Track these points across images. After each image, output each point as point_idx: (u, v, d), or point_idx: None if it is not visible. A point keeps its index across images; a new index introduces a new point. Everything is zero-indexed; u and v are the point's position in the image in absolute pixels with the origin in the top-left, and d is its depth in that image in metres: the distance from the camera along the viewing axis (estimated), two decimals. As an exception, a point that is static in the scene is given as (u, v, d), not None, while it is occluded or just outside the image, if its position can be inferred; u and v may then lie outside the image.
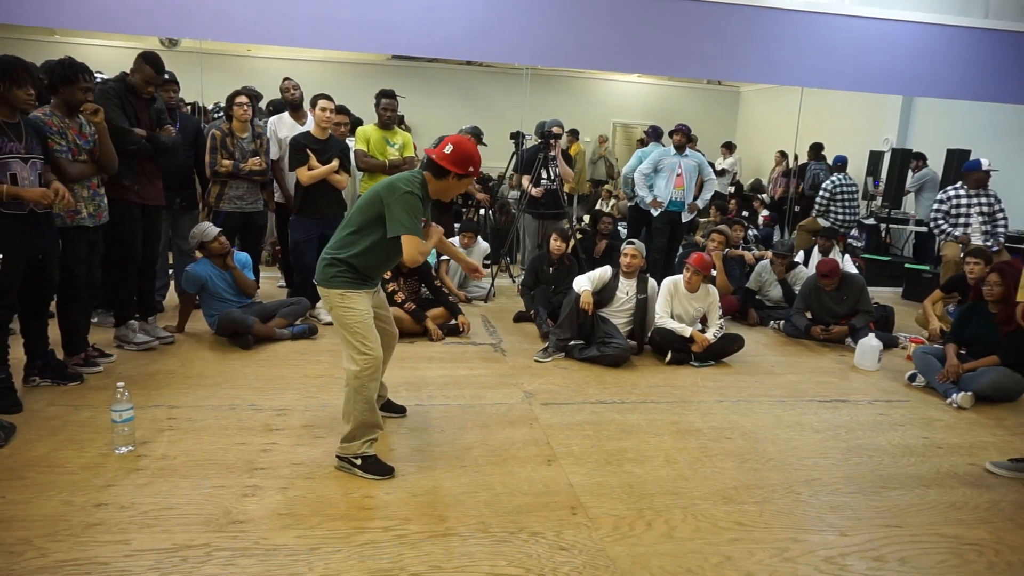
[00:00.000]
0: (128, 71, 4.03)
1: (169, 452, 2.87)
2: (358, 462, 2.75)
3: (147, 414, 3.20)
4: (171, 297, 5.15)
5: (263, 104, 6.61)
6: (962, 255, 5.42)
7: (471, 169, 2.74)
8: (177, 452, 2.88)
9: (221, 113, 5.74)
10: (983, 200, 6.08)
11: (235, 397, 3.53)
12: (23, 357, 3.52)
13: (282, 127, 5.37)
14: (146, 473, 2.68)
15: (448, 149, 2.71)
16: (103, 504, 2.44)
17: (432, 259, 5.69)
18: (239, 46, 10.66)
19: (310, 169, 4.73)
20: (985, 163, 6.13)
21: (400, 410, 3.40)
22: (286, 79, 5.61)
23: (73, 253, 3.58)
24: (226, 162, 4.77)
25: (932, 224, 6.35)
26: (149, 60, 3.97)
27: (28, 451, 2.84)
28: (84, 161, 3.56)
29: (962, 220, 6.12)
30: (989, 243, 5.94)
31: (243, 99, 4.84)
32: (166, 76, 5.05)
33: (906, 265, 7.67)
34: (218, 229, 4.49)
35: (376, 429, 2.80)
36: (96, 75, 4.54)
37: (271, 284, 6.07)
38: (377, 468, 2.76)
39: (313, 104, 4.89)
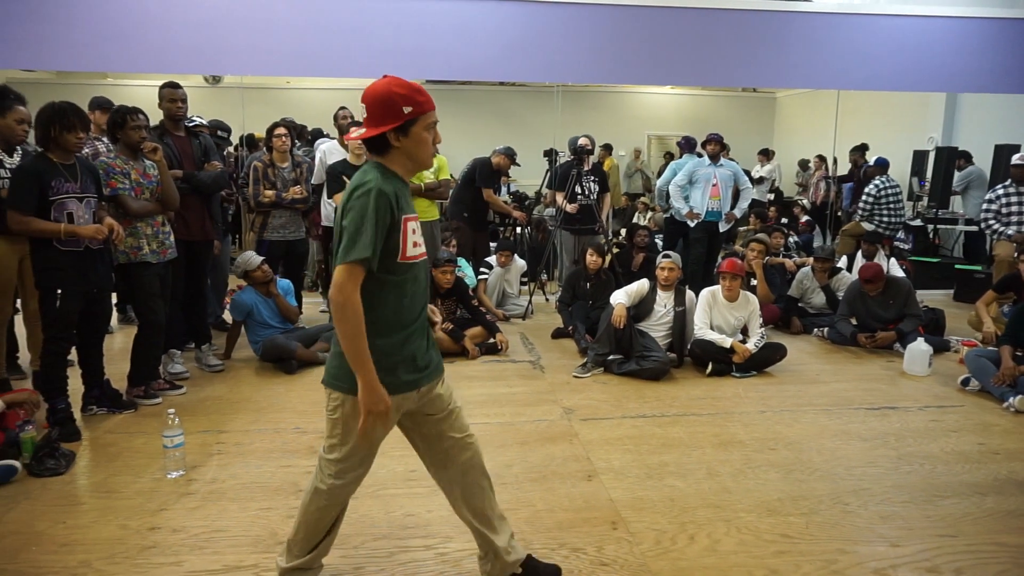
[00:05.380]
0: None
1: (218, 476, 2.96)
2: None
3: (197, 439, 3.31)
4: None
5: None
6: (1016, 253, 5.23)
7: (407, 110, 1.79)
8: (226, 476, 2.96)
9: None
10: (1034, 196, 5.88)
11: (280, 421, 3.62)
12: (81, 387, 3.67)
13: (331, 155, 5.45)
14: (196, 497, 2.77)
15: (365, 115, 1.88)
16: (157, 528, 2.53)
17: (471, 281, 5.75)
18: (278, 79, 11.02)
19: (347, 195, 4.84)
20: (1016, 157, 5.95)
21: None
22: (342, 108, 5.81)
23: (142, 288, 3.73)
24: (269, 192, 4.92)
25: (983, 224, 6.16)
26: (164, 86, 4.20)
27: (87, 477, 2.97)
28: (147, 199, 3.74)
29: (1014, 218, 5.92)
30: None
31: (282, 130, 5.01)
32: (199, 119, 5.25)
33: (956, 266, 7.43)
34: (261, 258, 4.63)
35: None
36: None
37: (313, 309, 6.21)
38: None
39: (347, 132, 5.01)
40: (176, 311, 4.25)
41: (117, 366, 3.94)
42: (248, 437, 3.40)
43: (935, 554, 2.41)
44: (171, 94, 4.17)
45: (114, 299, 4.49)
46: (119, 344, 5.03)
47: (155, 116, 4.23)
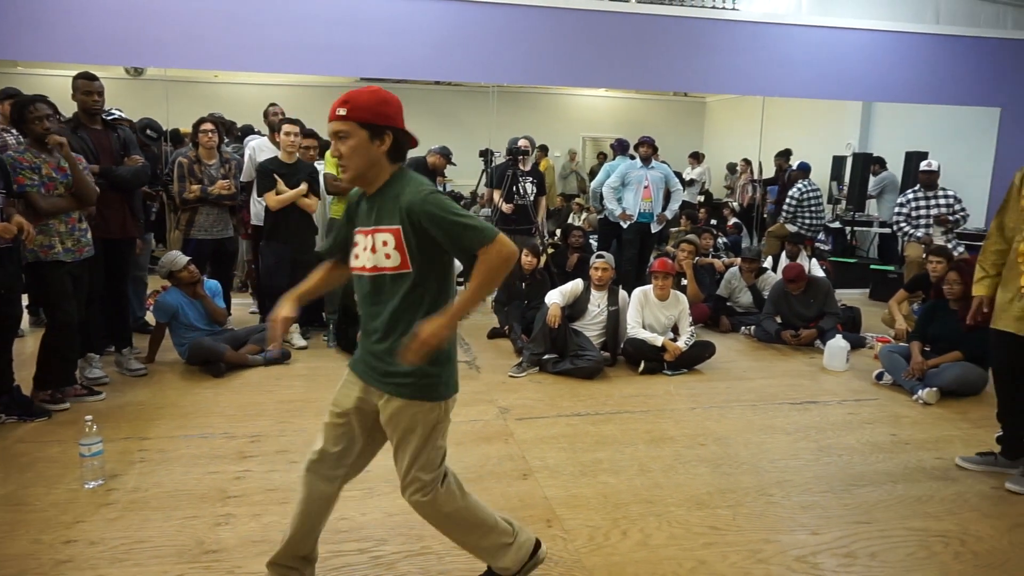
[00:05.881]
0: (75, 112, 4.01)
1: (140, 485, 2.84)
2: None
3: (117, 447, 3.16)
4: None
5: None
6: (925, 255, 5.56)
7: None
8: (148, 484, 2.84)
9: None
10: (941, 201, 6.25)
11: (207, 426, 3.50)
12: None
13: (261, 152, 5.27)
14: (116, 507, 2.65)
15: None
16: (73, 541, 2.41)
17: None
18: (206, 72, 10.60)
19: (278, 194, 4.73)
20: (923, 164, 6.35)
21: None
22: (272, 104, 5.64)
23: (53, 288, 3.53)
24: (194, 187, 4.76)
25: (895, 227, 6.52)
26: (78, 76, 3.96)
27: (-5, 490, 2.79)
28: (60, 195, 3.53)
29: (923, 221, 6.29)
30: (951, 243, 6.10)
31: (208, 126, 4.84)
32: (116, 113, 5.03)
33: (871, 266, 7.83)
34: (187, 258, 4.46)
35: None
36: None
37: (243, 311, 6.03)
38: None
39: (278, 129, 4.90)
40: (95, 313, 4.05)
41: (29, 371, 3.72)
42: (173, 443, 3.27)
43: (852, 540, 2.54)
44: (86, 86, 3.94)
45: (25, 300, 4.25)
46: (31, 348, 4.74)
47: (70, 107, 4.02)
